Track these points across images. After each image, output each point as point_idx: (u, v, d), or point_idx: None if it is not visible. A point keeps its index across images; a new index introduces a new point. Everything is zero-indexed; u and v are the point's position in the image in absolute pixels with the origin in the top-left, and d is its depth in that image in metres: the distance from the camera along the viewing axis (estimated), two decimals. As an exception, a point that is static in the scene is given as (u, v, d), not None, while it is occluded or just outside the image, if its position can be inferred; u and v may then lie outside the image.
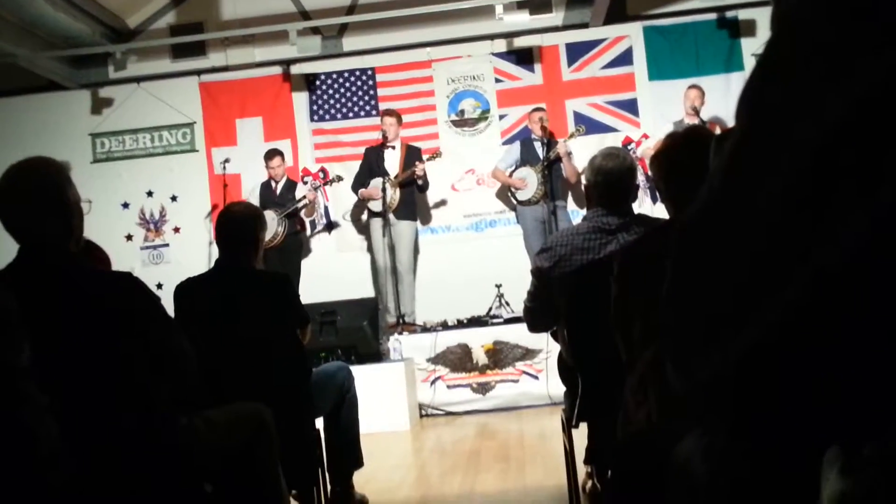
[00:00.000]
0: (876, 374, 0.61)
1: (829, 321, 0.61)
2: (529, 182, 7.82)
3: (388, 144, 7.87)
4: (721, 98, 7.95)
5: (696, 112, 7.54)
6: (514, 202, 8.02)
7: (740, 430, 0.77)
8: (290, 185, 8.14)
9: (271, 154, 8.11)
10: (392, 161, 7.87)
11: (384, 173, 7.76)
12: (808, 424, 0.66)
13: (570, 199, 8.15)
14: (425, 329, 7.33)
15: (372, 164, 7.85)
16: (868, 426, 0.63)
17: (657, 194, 7.33)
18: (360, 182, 7.90)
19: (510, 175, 7.97)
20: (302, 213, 8.07)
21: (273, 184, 8.11)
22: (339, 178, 8.21)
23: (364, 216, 8.26)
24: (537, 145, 7.84)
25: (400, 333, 7.02)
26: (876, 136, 0.58)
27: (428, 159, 7.76)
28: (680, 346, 0.71)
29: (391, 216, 7.67)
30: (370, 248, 8.11)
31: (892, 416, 0.61)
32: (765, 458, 0.92)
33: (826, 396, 0.63)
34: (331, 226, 8.65)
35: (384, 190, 7.56)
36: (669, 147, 2.37)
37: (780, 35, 0.67)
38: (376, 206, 7.72)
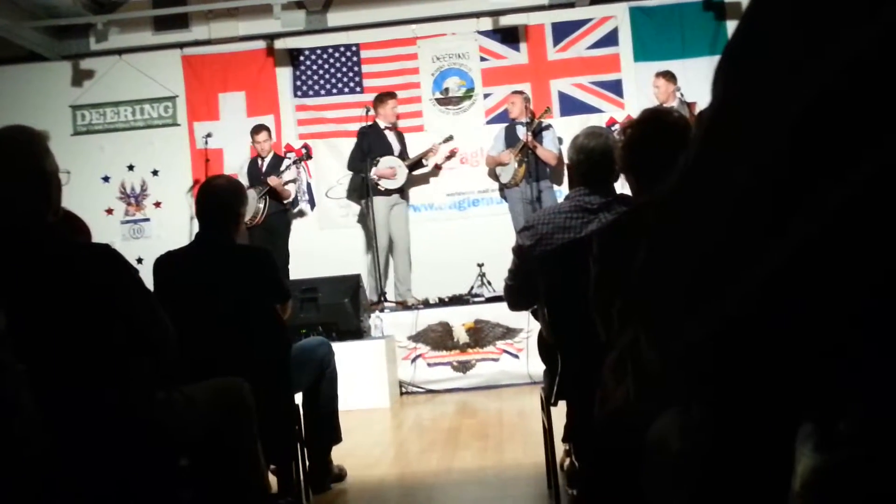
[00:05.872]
0: (851, 349, 0.61)
1: (805, 293, 0.61)
2: (507, 164, 7.83)
3: (389, 126, 7.96)
4: (706, 80, 7.89)
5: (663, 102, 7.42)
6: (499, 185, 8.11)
7: (714, 401, 0.78)
8: (276, 162, 8.07)
9: (258, 129, 8.05)
10: (394, 142, 7.98)
11: (388, 153, 7.85)
12: (781, 397, 0.67)
13: (560, 179, 8.11)
14: (406, 307, 7.33)
15: (371, 144, 7.81)
16: (842, 401, 0.63)
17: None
18: (358, 161, 7.82)
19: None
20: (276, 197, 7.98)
21: (259, 160, 8.05)
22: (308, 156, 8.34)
23: (358, 195, 8.15)
24: (519, 128, 7.82)
25: (405, 309, 7.21)
26: (856, 107, 0.58)
27: (444, 141, 8.15)
28: (655, 318, 0.71)
29: (396, 195, 7.91)
30: (370, 227, 7.88)
31: (866, 391, 0.61)
32: (739, 435, 0.93)
33: (801, 369, 0.63)
34: (313, 202, 8.61)
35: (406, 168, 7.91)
36: (635, 122, 2.47)
37: (756, 6, 0.66)
38: (391, 184, 7.84)
